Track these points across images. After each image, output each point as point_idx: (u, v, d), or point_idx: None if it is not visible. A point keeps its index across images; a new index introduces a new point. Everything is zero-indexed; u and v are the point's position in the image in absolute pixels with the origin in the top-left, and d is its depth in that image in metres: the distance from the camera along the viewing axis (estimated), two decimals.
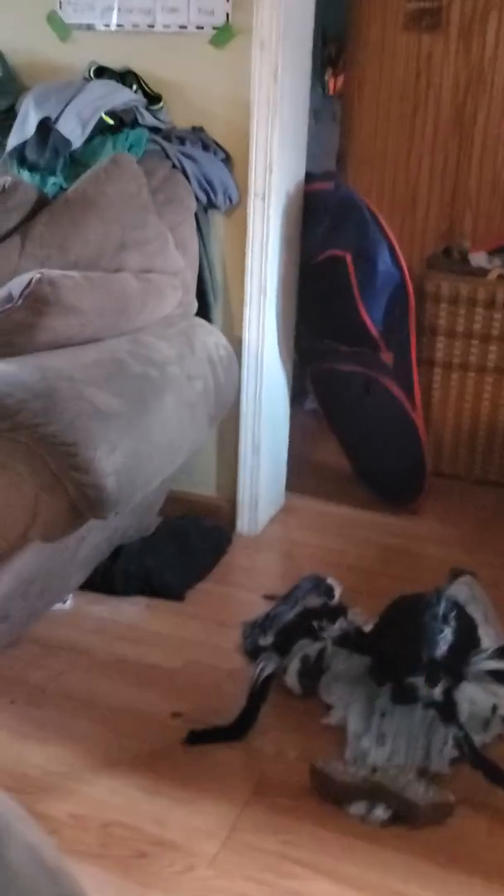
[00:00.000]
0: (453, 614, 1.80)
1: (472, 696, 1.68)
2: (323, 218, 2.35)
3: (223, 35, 2.07)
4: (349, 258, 2.34)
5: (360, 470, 2.75)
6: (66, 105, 1.99)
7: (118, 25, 2.12)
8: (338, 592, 2.09)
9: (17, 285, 1.63)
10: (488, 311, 2.72)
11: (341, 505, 2.64)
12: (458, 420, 2.84)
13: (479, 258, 2.85)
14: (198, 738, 1.63)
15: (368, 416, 2.58)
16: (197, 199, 2.07)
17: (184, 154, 2.06)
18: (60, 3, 2.16)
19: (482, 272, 2.78)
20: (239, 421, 2.34)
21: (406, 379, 2.52)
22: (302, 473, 2.75)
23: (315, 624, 1.86)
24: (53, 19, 2.19)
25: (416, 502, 2.63)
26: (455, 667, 1.70)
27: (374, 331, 2.42)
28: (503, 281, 2.73)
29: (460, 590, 1.96)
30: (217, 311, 2.25)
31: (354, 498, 2.67)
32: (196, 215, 2.08)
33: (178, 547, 2.22)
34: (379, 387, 2.52)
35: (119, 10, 2.12)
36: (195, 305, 2.11)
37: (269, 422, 2.41)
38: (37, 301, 1.60)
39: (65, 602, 2.02)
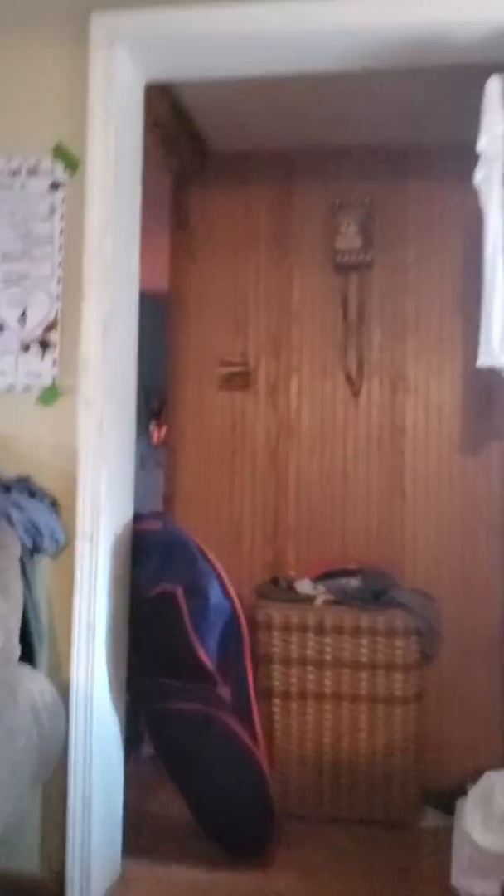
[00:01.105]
0: None
1: None
2: (152, 555, 2.41)
3: (50, 394, 2.23)
4: (180, 593, 2.36)
5: (203, 821, 2.52)
6: None
7: None
8: None
9: None
10: (319, 637, 2.78)
11: (185, 866, 2.36)
12: (301, 753, 2.74)
13: (304, 585, 2.97)
14: None
15: (208, 757, 2.43)
16: (23, 543, 2.07)
17: (9, 502, 2.09)
18: None
19: (309, 598, 2.89)
20: (67, 776, 2.13)
21: (245, 712, 2.44)
22: (140, 832, 2.49)
23: None
24: None
25: (267, 852, 2.41)
26: None
27: (208, 664, 2.38)
28: (329, 606, 2.84)
29: None
30: (42, 655, 2.14)
31: (199, 856, 2.41)
32: (21, 559, 2.06)
33: None
34: (218, 724, 2.41)
35: None
36: (18, 650, 2.01)
37: (102, 774, 2.21)
38: None
39: None
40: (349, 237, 3.24)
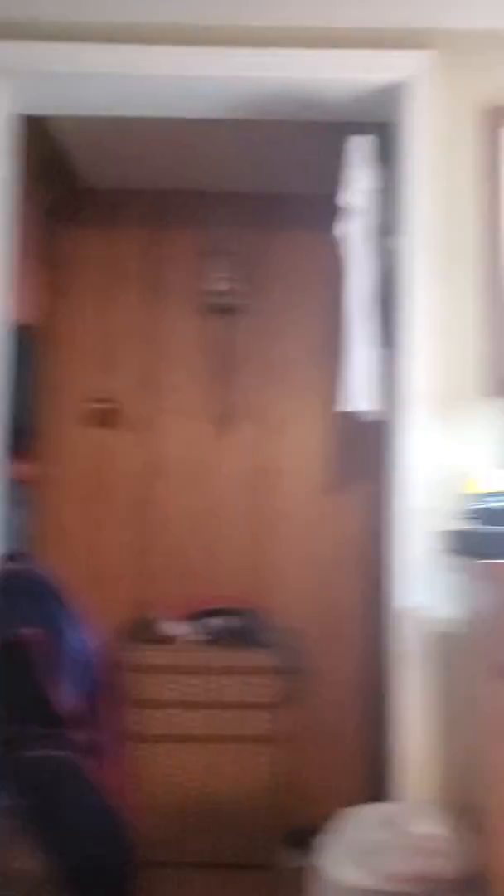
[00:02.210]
0: None
1: None
2: (12, 597, 2.33)
3: None
4: (41, 636, 2.29)
5: (60, 872, 2.42)
6: None
7: None
8: None
9: None
10: (185, 678, 2.76)
11: None
12: (167, 797, 2.70)
13: (170, 626, 2.95)
14: None
15: (67, 805, 2.35)
16: None
17: None
18: None
19: (175, 639, 2.87)
20: None
21: (109, 758, 2.38)
22: None
23: None
24: None
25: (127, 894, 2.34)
26: None
27: (69, 709, 2.32)
28: (196, 646, 2.83)
29: None
30: None
31: None
32: None
33: None
34: (79, 771, 2.34)
35: None
36: None
37: None
38: None
39: None
40: (219, 281, 3.31)
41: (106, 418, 3.31)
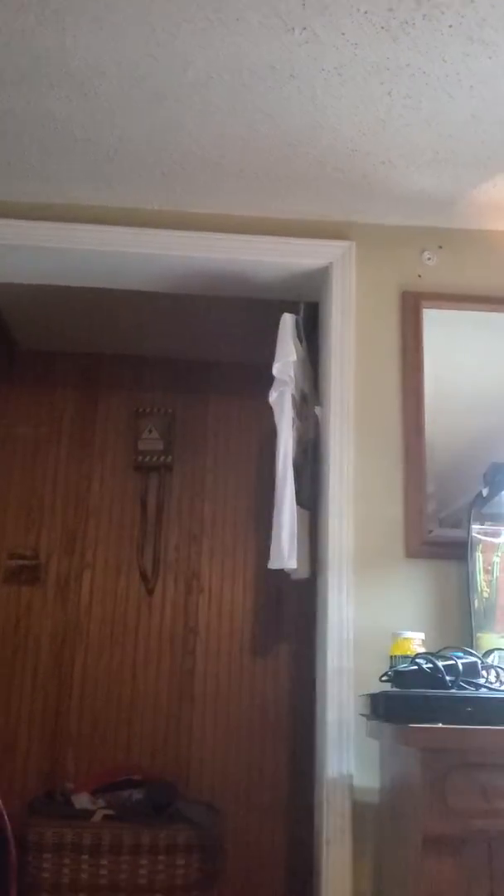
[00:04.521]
0: None
1: None
2: None
3: None
4: None
5: None
6: None
7: None
8: None
9: None
10: (94, 859, 2.56)
11: None
12: None
13: (82, 799, 2.77)
14: None
15: None
16: None
17: None
18: None
19: (87, 814, 2.68)
20: None
21: None
22: None
23: None
24: None
25: None
26: None
27: None
28: (108, 822, 2.64)
29: None
30: None
31: None
32: None
33: None
34: None
35: None
36: None
37: None
38: None
39: None
40: (151, 441, 3.39)
41: (26, 574, 3.23)
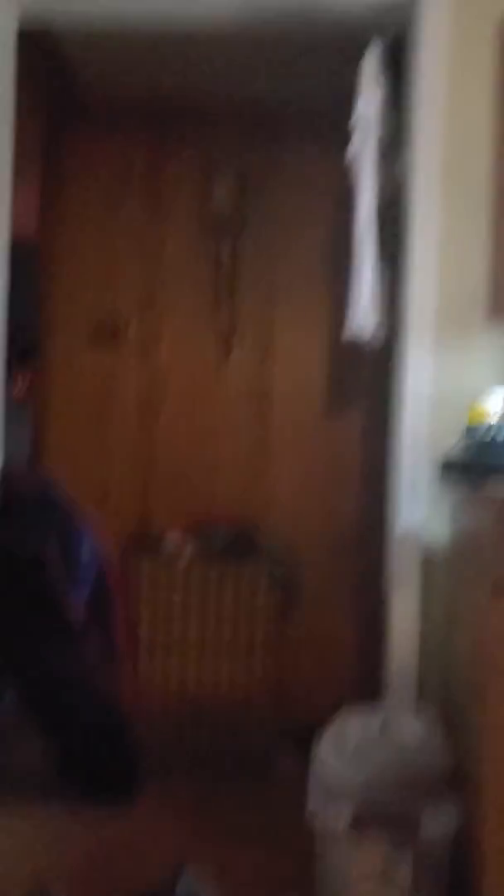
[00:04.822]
0: None
1: None
2: (26, 513, 2.40)
3: None
4: (55, 548, 2.37)
5: (68, 770, 2.56)
6: None
7: None
8: None
9: None
10: (185, 590, 2.87)
11: (44, 808, 2.40)
12: (168, 701, 2.83)
13: (171, 540, 3.05)
14: None
15: (77, 707, 2.48)
16: None
17: None
18: None
19: (176, 553, 2.97)
20: None
21: (115, 664, 2.51)
22: None
23: None
24: None
25: (132, 798, 2.49)
26: None
27: (80, 619, 2.42)
28: (196, 560, 2.93)
29: (188, 884, 1.85)
30: None
31: (60, 800, 2.45)
32: None
33: None
34: (88, 676, 2.46)
35: None
36: None
37: None
38: None
39: None
40: (222, 200, 3.28)
41: (109, 337, 3.32)
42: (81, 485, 3.03)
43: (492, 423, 1.92)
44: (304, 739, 2.12)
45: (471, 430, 1.95)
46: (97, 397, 3.33)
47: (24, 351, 3.55)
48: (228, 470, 3.29)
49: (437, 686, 2.17)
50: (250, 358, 3.31)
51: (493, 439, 1.80)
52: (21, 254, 2.81)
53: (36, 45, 2.72)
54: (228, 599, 2.87)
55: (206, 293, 3.31)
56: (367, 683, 2.72)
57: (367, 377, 3.12)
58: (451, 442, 2.07)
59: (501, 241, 2.15)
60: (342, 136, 2.29)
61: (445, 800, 1.80)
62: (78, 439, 3.31)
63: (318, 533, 3.22)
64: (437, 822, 1.78)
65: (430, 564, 2.20)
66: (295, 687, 3.01)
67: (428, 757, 1.90)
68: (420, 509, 2.20)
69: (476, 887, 1.61)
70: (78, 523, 2.47)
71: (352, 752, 1.90)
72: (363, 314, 2.26)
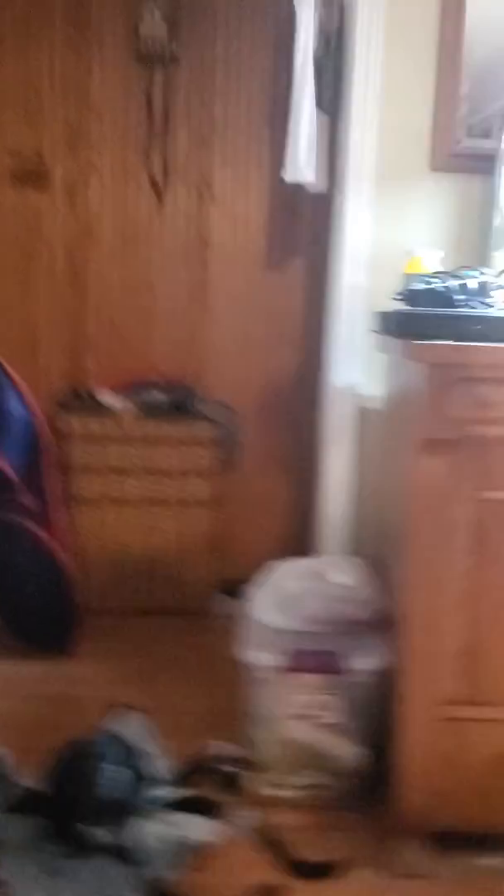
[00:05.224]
0: (122, 751, 1.78)
1: (153, 832, 1.66)
2: None
3: None
4: None
5: (9, 621, 2.63)
6: None
7: None
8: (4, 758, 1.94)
9: None
10: (122, 446, 2.86)
11: None
12: (105, 553, 2.88)
13: (105, 398, 2.99)
14: None
15: (14, 560, 2.51)
16: None
17: None
18: None
19: (112, 410, 2.93)
20: None
21: (49, 518, 2.51)
22: None
23: None
24: None
25: (72, 643, 2.58)
26: (129, 805, 1.68)
27: (11, 475, 2.40)
28: (132, 417, 2.90)
29: (126, 725, 1.95)
30: None
31: (4, 652, 2.53)
32: None
33: None
34: (22, 529, 2.47)
35: None
36: None
37: None
38: None
39: None
40: (154, 24, 3.01)
41: (32, 179, 3.10)
42: (6, 343, 2.90)
43: (430, 271, 1.88)
44: (238, 584, 2.19)
45: (408, 279, 1.91)
46: (22, 244, 3.15)
47: None
48: (164, 324, 3.19)
49: (370, 539, 2.24)
50: (186, 203, 3.14)
51: (429, 288, 1.76)
52: None
53: None
54: (166, 456, 2.87)
55: (136, 130, 3.09)
56: (303, 538, 2.81)
57: (308, 230, 3.01)
58: (387, 296, 2.03)
59: (445, 91, 2.06)
60: None
61: (373, 641, 1.90)
62: (3, 288, 3.16)
63: (257, 390, 3.20)
64: (365, 661, 1.89)
65: (365, 420, 2.21)
66: (233, 542, 3.08)
67: (358, 603, 1.99)
68: (356, 364, 2.19)
69: (400, 721, 1.73)
70: (4, 376, 2.40)
71: (282, 601, 1.97)
72: (300, 160, 2.16)
